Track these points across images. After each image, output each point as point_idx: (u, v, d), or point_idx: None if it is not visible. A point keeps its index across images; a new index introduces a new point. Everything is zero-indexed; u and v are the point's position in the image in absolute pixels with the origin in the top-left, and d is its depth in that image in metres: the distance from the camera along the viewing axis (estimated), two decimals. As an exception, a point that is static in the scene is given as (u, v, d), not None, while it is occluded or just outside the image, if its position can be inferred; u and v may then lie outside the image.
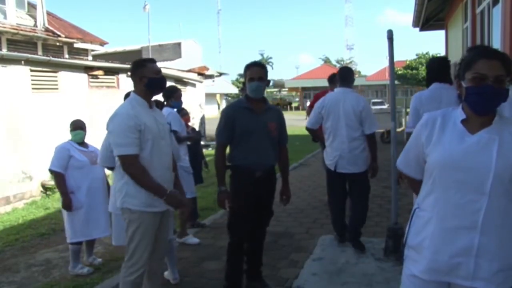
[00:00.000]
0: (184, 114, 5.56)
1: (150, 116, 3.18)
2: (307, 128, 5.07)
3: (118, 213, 3.40)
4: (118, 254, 5.14)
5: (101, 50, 18.97)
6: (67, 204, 4.46)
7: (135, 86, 3.23)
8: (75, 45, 16.41)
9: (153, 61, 3.28)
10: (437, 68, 4.01)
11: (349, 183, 4.84)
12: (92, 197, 4.62)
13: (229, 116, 3.62)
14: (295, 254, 4.74)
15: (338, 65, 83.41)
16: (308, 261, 4.50)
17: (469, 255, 1.85)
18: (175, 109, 5.36)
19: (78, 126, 4.72)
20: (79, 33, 17.17)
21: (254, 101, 3.64)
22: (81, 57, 15.16)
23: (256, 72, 3.59)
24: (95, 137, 10.01)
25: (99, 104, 11.07)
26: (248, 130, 3.58)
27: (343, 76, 4.90)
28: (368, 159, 4.74)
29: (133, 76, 3.23)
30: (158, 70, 3.25)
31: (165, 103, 5.32)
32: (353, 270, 4.22)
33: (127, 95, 4.06)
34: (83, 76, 10.65)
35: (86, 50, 17.29)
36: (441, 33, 15.38)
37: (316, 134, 5.18)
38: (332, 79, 6.27)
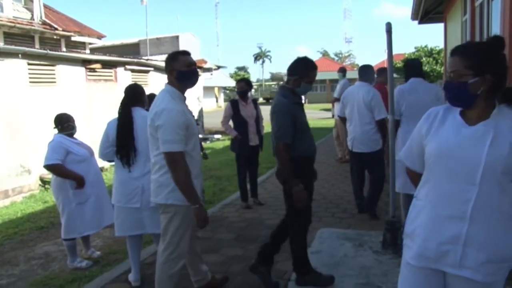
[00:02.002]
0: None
1: (187, 110, 3.23)
2: (339, 116, 6.37)
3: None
4: (116, 247, 5.16)
5: (98, 43, 18.92)
6: (80, 180, 4.40)
7: (168, 78, 3.26)
8: (73, 38, 16.37)
9: (186, 53, 3.28)
10: (413, 67, 4.92)
11: (365, 162, 5.69)
12: (97, 188, 4.64)
13: (291, 114, 3.54)
14: (293, 247, 4.74)
15: (336, 58, 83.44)
16: (306, 254, 4.51)
17: (457, 243, 1.90)
18: None
19: (74, 119, 4.70)
20: (77, 26, 17.11)
21: (297, 96, 3.70)
22: (79, 50, 15.10)
23: (316, 75, 3.71)
24: (93, 130, 10.06)
25: (97, 97, 11.05)
26: (305, 123, 3.70)
27: (361, 73, 5.86)
28: (380, 141, 5.54)
29: (166, 69, 3.26)
30: (190, 63, 3.23)
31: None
32: (351, 263, 4.23)
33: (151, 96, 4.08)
34: (80, 70, 10.61)
35: (84, 43, 17.24)
36: (440, 26, 15.31)
37: (345, 120, 5.98)
38: (380, 72, 7.37)
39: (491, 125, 1.91)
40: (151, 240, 5.16)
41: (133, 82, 4.37)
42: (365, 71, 5.82)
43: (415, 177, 2.24)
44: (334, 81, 11.54)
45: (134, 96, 3.97)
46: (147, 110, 3.84)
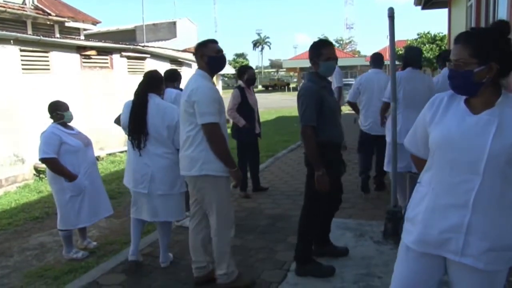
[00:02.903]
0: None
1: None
2: (348, 102, 6.46)
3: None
4: (113, 238, 5.09)
5: (93, 29, 18.67)
6: (72, 178, 4.32)
7: (198, 63, 3.57)
8: (67, 24, 16.12)
9: (214, 41, 3.60)
10: (414, 56, 5.12)
11: (380, 143, 5.85)
12: (92, 179, 4.54)
13: (317, 97, 3.55)
14: (292, 237, 4.66)
15: (337, 45, 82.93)
16: (306, 244, 4.45)
17: (459, 232, 1.91)
18: None
19: (67, 107, 4.52)
20: (71, 12, 16.87)
21: (324, 79, 3.72)
22: (73, 36, 14.88)
23: (333, 51, 3.70)
24: (89, 118, 9.95)
25: (92, 84, 10.91)
26: (333, 108, 3.71)
27: (375, 60, 6.32)
28: None
29: (195, 55, 3.57)
30: (219, 50, 3.56)
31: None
32: (351, 253, 4.17)
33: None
34: (75, 56, 10.45)
35: (78, 29, 17.00)
36: (444, 12, 15.12)
37: (355, 106, 6.40)
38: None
39: (496, 114, 1.88)
40: (148, 230, 5.11)
41: (154, 69, 4.40)
42: (379, 59, 6.38)
43: (420, 163, 2.24)
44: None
45: (152, 83, 4.05)
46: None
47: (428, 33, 37.39)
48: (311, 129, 3.52)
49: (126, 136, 4.09)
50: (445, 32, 15.58)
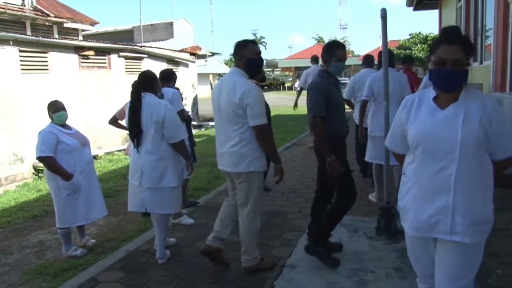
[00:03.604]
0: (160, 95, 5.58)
1: None
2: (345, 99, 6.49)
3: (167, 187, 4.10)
4: (111, 235, 5.16)
5: (91, 30, 18.70)
6: (68, 178, 4.38)
7: (236, 63, 3.74)
8: (65, 25, 16.16)
9: (254, 42, 3.80)
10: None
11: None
12: (87, 179, 4.59)
13: (325, 91, 3.79)
14: (288, 233, 4.76)
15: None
16: (301, 240, 4.53)
17: (446, 213, 2.14)
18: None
19: (60, 107, 4.53)
20: (69, 13, 16.90)
21: (333, 77, 3.95)
22: (71, 37, 14.92)
23: (345, 53, 3.98)
24: (87, 118, 10.00)
25: (90, 84, 10.96)
26: (339, 102, 3.96)
27: (367, 61, 6.92)
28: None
29: (234, 55, 3.73)
30: (258, 52, 3.73)
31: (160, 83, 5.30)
32: (345, 249, 4.25)
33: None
34: (73, 57, 10.50)
35: (77, 30, 17.04)
36: (435, 13, 15.27)
37: (350, 103, 6.81)
38: (405, 60, 8.57)
39: (461, 106, 2.14)
40: (146, 227, 5.18)
41: (147, 69, 4.54)
42: (371, 59, 7.00)
43: (401, 158, 2.50)
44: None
45: (145, 82, 4.20)
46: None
47: (419, 33, 37.70)
48: (320, 119, 3.75)
49: (124, 135, 4.22)
50: (436, 32, 15.65)
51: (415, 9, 15.24)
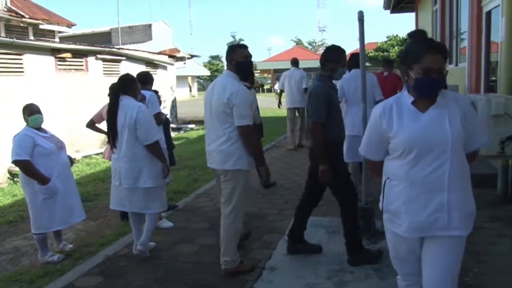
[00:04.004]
0: (141, 97, 5.55)
1: None
2: None
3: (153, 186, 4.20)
4: (89, 240, 5.09)
5: (68, 32, 18.50)
6: (44, 182, 4.30)
7: (228, 66, 3.89)
8: (41, 27, 15.94)
9: (243, 46, 3.92)
10: (354, 60, 5.55)
11: None
12: (65, 183, 4.52)
13: (326, 95, 3.83)
14: (268, 235, 4.77)
15: (310, 47, 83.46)
16: (280, 242, 4.54)
17: (443, 210, 2.21)
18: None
19: (35, 110, 4.45)
20: (45, 14, 16.66)
21: (331, 81, 4.04)
22: (48, 39, 14.71)
23: (345, 58, 4.15)
24: (64, 121, 9.85)
25: (68, 87, 10.81)
26: (338, 107, 4.03)
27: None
28: None
29: (226, 58, 3.90)
30: (246, 55, 3.86)
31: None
32: (325, 250, 4.27)
33: None
34: (49, 59, 10.35)
35: (53, 31, 16.82)
36: (411, 16, 15.50)
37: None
38: (385, 63, 8.58)
39: (442, 107, 2.22)
40: (125, 231, 5.13)
41: (126, 72, 4.66)
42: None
43: (376, 166, 2.52)
44: (307, 70, 11.70)
45: (124, 85, 4.27)
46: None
47: (397, 35, 38.31)
48: (320, 125, 3.78)
49: (102, 139, 4.21)
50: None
51: (392, 12, 15.45)
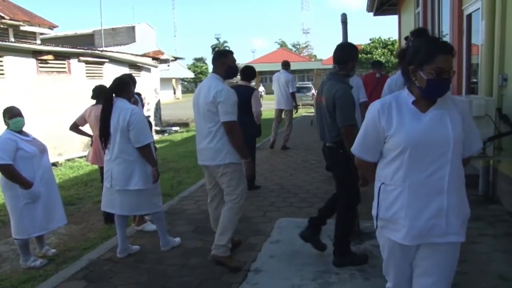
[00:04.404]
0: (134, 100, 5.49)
1: None
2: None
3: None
4: (72, 244, 5.03)
5: (50, 33, 18.29)
6: (27, 186, 4.23)
7: (216, 69, 4.12)
8: (22, 28, 15.71)
9: (232, 53, 4.23)
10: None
11: None
12: (47, 187, 4.46)
13: (351, 97, 3.83)
14: (252, 238, 4.77)
15: (294, 49, 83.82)
16: (265, 244, 4.55)
17: (441, 215, 2.15)
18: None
19: (16, 113, 4.36)
20: (26, 16, 16.44)
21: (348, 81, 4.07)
22: (29, 41, 14.52)
23: None
24: (46, 124, 9.73)
25: (50, 90, 10.69)
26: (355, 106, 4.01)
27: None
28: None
29: (216, 61, 4.14)
30: (235, 61, 4.22)
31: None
32: (310, 251, 4.28)
33: None
34: (31, 61, 10.22)
35: (34, 33, 16.60)
36: (394, 18, 15.67)
37: None
38: (375, 64, 8.57)
39: (443, 108, 2.17)
40: (109, 235, 5.09)
41: (123, 74, 4.75)
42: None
43: (370, 167, 2.43)
44: (291, 72, 11.79)
45: (118, 87, 4.33)
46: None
47: (379, 38, 38.68)
48: (352, 128, 3.70)
49: (85, 142, 4.18)
50: (396, 37, 16.08)
51: (375, 14, 15.60)
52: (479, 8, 6.07)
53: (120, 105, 4.23)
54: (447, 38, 8.05)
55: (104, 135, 4.25)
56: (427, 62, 2.10)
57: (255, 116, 6.31)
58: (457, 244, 2.24)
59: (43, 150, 4.48)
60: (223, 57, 4.16)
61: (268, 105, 18.42)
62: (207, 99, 3.95)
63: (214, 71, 4.15)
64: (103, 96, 4.31)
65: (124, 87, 4.36)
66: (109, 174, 4.31)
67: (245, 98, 5.89)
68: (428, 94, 2.15)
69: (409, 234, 2.20)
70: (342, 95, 3.74)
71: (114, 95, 4.29)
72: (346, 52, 3.95)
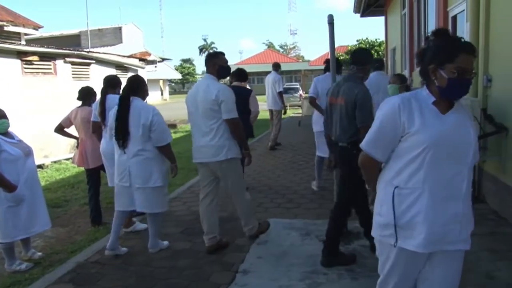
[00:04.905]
0: None
1: None
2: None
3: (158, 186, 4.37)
4: (59, 247, 4.98)
5: (35, 34, 18.06)
6: (11, 189, 4.16)
7: (209, 70, 4.41)
8: (6, 28, 15.51)
9: (224, 54, 4.51)
10: (327, 67, 6.19)
11: None
12: (31, 190, 4.39)
13: (371, 99, 3.94)
14: (240, 239, 4.76)
15: (281, 50, 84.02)
16: (253, 245, 4.55)
17: (456, 221, 2.09)
18: None
19: (1, 115, 4.30)
20: (10, 16, 16.24)
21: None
22: (13, 41, 14.35)
23: None
24: (32, 125, 9.63)
25: (35, 91, 10.58)
26: None
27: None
28: None
29: (208, 62, 4.41)
30: (227, 61, 4.48)
31: (107, 90, 5.19)
32: (298, 252, 4.30)
33: None
34: (15, 62, 10.11)
35: (19, 34, 16.39)
36: (381, 19, 15.80)
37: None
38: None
39: (460, 112, 2.13)
40: (96, 237, 5.05)
41: (135, 74, 4.70)
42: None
43: (374, 168, 2.29)
44: (280, 73, 11.86)
45: (135, 87, 4.39)
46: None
47: (366, 39, 38.95)
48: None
49: (72, 143, 4.13)
50: (382, 38, 16.18)
51: (362, 16, 15.70)
52: (464, 10, 6.15)
53: (138, 104, 4.30)
54: (433, 39, 8.14)
55: (123, 135, 4.28)
56: (449, 61, 2.03)
57: (253, 116, 6.37)
58: (463, 252, 2.19)
59: (28, 153, 4.41)
60: (214, 58, 4.39)
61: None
62: (209, 97, 4.17)
63: (207, 71, 4.43)
64: (120, 96, 4.35)
65: (139, 86, 4.43)
66: (126, 173, 4.34)
67: (241, 99, 5.91)
68: (448, 94, 2.07)
69: (427, 239, 2.08)
70: (363, 96, 3.86)
71: (130, 94, 4.34)
72: (366, 55, 4.15)
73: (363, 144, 2.25)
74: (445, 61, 2.04)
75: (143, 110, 4.26)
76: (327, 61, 6.30)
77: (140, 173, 4.30)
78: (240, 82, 6.58)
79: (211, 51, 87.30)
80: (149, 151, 4.30)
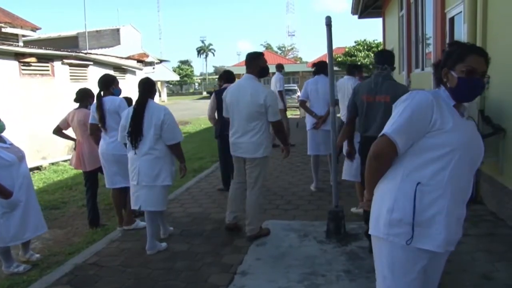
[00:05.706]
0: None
1: None
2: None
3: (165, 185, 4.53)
4: (57, 249, 4.97)
5: (33, 35, 18.03)
6: (7, 195, 4.13)
7: (251, 70, 4.69)
8: (3, 30, 15.48)
9: (263, 54, 4.86)
10: (322, 67, 6.68)
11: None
12: (26, 195, 4.35)
13: None
14: (238, 240, 4.77)
15: (279, 52, 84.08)
16: (251, 247, 4.55)
17: (460, 224, 2.13)
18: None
19: None
20: (7, 17, 16.22)
21: None
22: (11, 43, 14.32)
23: None
24: (30, 127, 9.61)
25: (33, 92, 10.56)
26: None
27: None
28: None
29: (250, 63, 4.70)
30: (266, 62, 4.77)
31: (102, 92, 5.18)
32: (296, 253, 4.30)
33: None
34: (13, 64, 10.09)
35: (16, 35, 16.37)
36: (379, 21, 15.84)
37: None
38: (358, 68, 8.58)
39: (469, 119, 2.14)
40: (93, 239, 5.04)
41: (146, 76, 4.97)
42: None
43: (389, 158, 2.14)
44: (284, 74, 11.86)
45: (150, 90, 4.58)
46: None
47: (364, 40, 38.95)
48: None
49: (70, 145, 4.11)
50: (380, 39, 16.24)
51: (360, 17, 15.72)
52: (461, 12, 6.16)
53: (152, 105, 4.48)
54: (431, 41, 8.16)
55: (136, 133, 4.41)
56: (459, 61, 2.04)
57: None
58: (448, 253, 2.21)
59: (21, 157, 4.35)
60: (256, 60, 4.71)
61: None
62: (257, 101, 4.51)
63: (248, 71, 4.70)
64: (138, 99, 4.50)
65: (151, 88, 4.59)
66: (136, 171, 4.46)
67: None
68: (459, 94, 2.06)
69: (446, 240, 2.04)
70: (404, 92, 3.94)
71: (147, 95, 4.51)
72: (389, 58, 4.34)
73: (389, 131, 2.07)
74: (456, 62, 2.06)
75: (155, 110, 4.44)
76: (314, 65, 6.89)
77: (148, 171, 4.41)
78: (229, 84, 6.62)
79: (209, 52, 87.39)
80: (159, 150, 4.43)
